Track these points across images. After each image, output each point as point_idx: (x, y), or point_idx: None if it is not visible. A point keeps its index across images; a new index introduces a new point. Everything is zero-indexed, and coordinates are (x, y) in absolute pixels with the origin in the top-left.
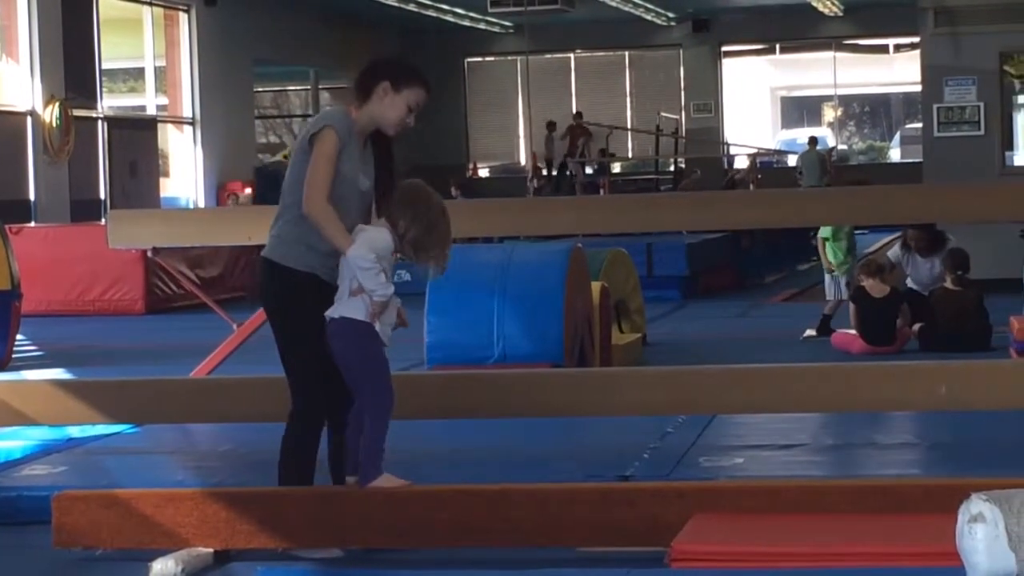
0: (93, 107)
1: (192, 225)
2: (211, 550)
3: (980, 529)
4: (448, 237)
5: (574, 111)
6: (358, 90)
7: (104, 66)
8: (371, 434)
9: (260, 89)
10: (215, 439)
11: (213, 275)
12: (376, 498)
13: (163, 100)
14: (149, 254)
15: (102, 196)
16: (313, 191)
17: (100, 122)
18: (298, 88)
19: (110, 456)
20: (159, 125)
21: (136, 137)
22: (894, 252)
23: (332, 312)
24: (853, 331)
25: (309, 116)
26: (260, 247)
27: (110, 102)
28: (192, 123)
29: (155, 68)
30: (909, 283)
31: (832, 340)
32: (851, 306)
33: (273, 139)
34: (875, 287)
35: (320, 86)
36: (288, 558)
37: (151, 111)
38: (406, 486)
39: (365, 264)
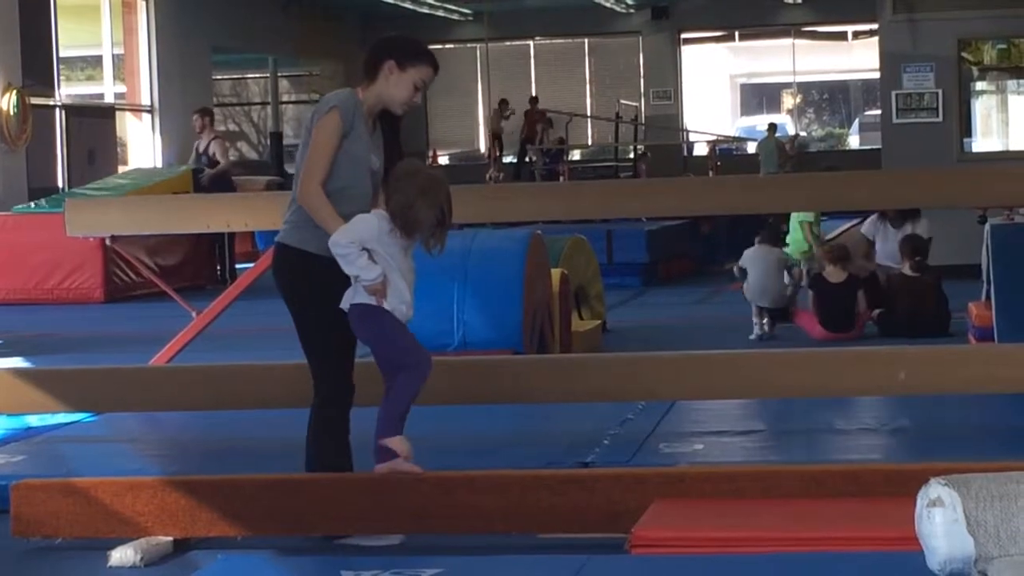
0: (51, 95)
1: (150, 213)
2: (171, 538)
3: (939, 513)
4: (431, 213)
5: (533, 95)
6: (365, 69)
7: (62, 54)
8: (399, 393)
9: (219, 77)
10: (175, 427)
11: (172, 263)
12: (337, 486)
13: (121, 88)
14: (107, 242)
15: (60, 184)
16: (307, 176)
17: (58, 110)
18: (257, 76)
19: (69, 445)
20: (117, 113)
21: (94, 125)
22: (868, 226)
23: (344, 304)
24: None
25: (268, 104)
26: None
27: (68, 90)
28: (150, 111)
29: (113, 56)
30: (879, 259)
31: (796, 319)
32: (810, 293)
33: (232, 127)
34: (834, 273)
35: (279, 74)
36: (337, 548)
37: (109, 99)
38: (410, 453)
39: (339, 251)
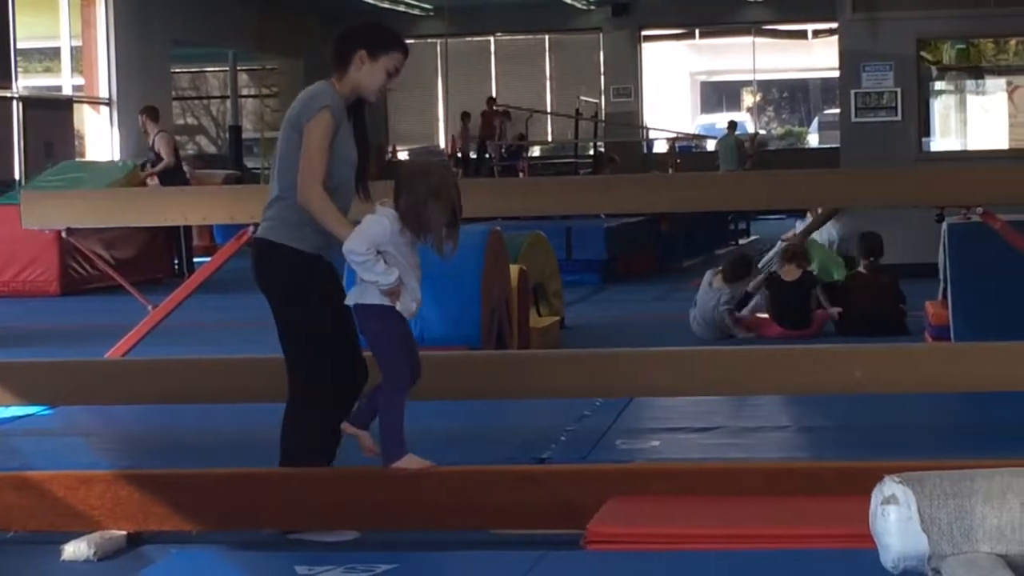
0: (8, 87)
1: (106, 206)
2: (124, 533)
3: (893, 511)
4: (443, 215)
5: (492, 95)
6: (336, 60)
7: (19, 45)
8: (387, 415)
9: (178, 70)
10: (129, 421)
11: (129, 256)
12: (291, 481)
13: (79, 80)
14: (64, 235)
15: (17, 176)
16: (309, 180)
17: (15, 102)
18: (216, 70)
19: (22, 438)
20: (75, 105)
21: (52, 117)
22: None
23: (349, 299)
24: (765, 315)
25: (227, 98)
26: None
27: (25, 82)
28: (108, 103)
29: (71, 48)
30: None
31: (743, 322)
32: (765, 292)
33: (191, 120)
34: (788, 271)
35: (238, 67)
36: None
37: (67, 91)
38: (429, 467)
39: (356, 259)
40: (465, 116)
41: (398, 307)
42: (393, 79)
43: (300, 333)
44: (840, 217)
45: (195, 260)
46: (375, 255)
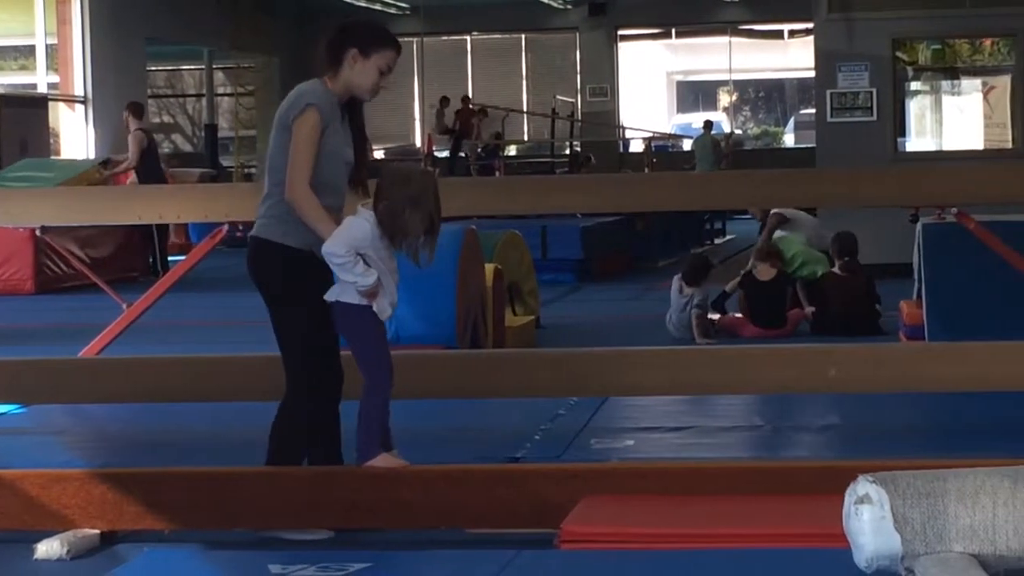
0: None
1: (81, 204)
2: (97, 531)
3: (866, 510)
4: (420, 225)
5: (468, 93)
6: (328, 59)
7: None
8: (366, 413)
9: (153, 68)
10: (103, 419)
11: (104, 255)
12: (264, 480)
13: (54, 78)
14: (38, 233)
15: None
16: (296, 178)
17: None
18: (192, 68)
19: None
20: (50, 103)
21: (27, 115)
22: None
23: (329, 296)
24: (740, 315)
25: (203, 96)
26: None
27: (0, 79)
28: (84, 101)
29: (46, 46)
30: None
31: (719, 323)
32: (739, 292)
33: (167, 119)
34: (763, 271)
35: (214, 66)
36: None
37: (42, 89)
38: (403, 466)
39: (336, 260)
40: (444, 100)
41: (374, 308)
42: (386, 77)
43: (293, 330)
44: (787, 227)
45: (170, 258)
46: (354, 257)
